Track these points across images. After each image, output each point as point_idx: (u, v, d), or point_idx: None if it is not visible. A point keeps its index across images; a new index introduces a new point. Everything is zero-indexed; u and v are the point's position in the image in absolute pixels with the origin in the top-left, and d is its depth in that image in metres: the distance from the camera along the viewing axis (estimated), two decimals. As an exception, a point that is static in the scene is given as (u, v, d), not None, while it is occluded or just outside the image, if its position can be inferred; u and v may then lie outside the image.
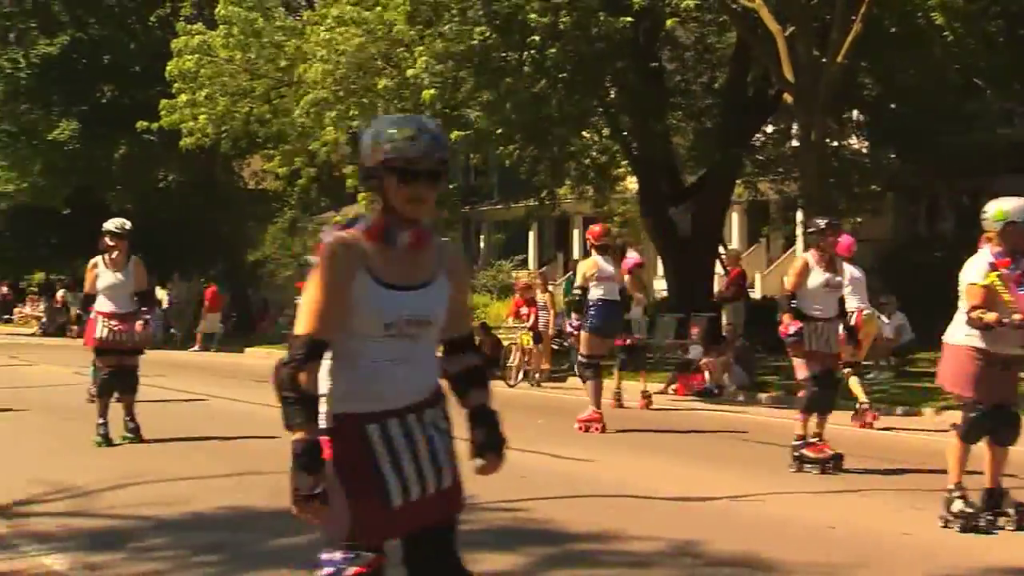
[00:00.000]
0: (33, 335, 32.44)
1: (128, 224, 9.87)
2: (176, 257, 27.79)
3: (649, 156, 18.74)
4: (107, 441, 9.45)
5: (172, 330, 27.58)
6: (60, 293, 35.07)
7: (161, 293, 30.47)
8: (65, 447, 9.59)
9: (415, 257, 3.15)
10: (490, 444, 3.27)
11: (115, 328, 9.60)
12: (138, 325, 9.63)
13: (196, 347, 24.64)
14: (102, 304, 9.63)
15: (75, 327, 10.73)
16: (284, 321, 30.60)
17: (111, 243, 9.69)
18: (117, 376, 9.68)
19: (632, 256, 13.35)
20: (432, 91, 15.81)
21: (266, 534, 6.17)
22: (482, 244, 34.74)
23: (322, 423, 3.07)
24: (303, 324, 3.06)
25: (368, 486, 3.05)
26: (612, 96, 18.21)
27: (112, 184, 28.21)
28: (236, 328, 28.25)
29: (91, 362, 10.44)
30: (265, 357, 22.67)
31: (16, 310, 39.23)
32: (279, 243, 37.85)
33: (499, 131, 16.63)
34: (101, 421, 9.51)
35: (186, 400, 13.02)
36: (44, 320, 33.73)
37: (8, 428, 10.94)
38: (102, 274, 9.67)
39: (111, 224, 9.84)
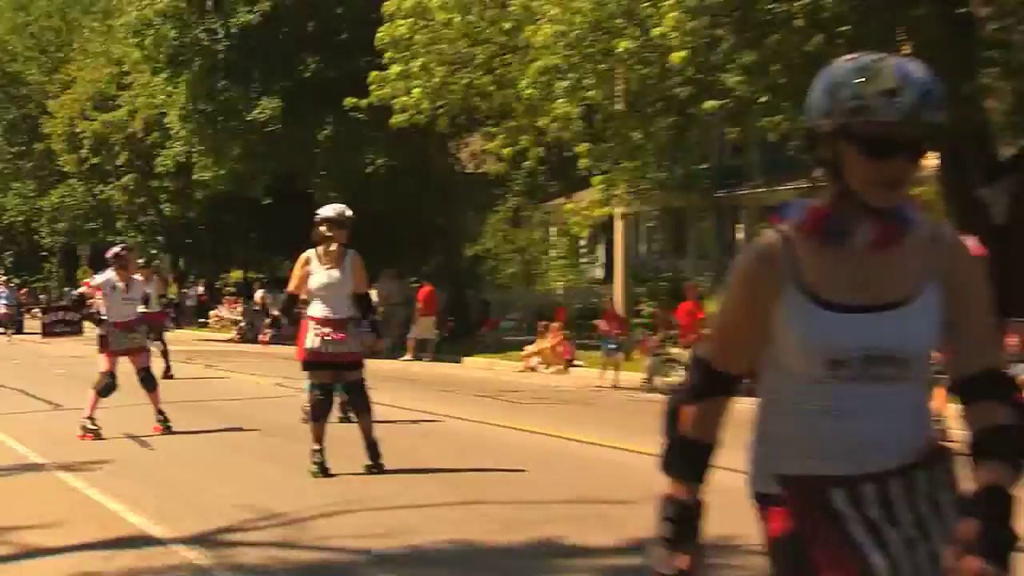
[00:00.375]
0: (231, 341, 34.34)
1: (349, 211, 9.59)
2: (385, 252, 28.67)
3: (954, 125, 17.95)
4: (324, 471, 9.36)
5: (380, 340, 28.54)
6: (259, 294, 36.83)
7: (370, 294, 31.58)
8: (273, 469, 10.10)
9: (883, 261, 2.57)
10: (982, 546, 2.37)
11: (329, 337, 9.40)
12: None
13: (408, 356, 25.39)
14: (315, 308, 9.48)
15: (269, 330, 10.93)
16: (508, 325, 31.28)
17: (328, 233, 9.45)
18: (352, 391, 9.66)
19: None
20: (683, 53, 15.70)
21: (496, 573, 6.32)
22: (740, 236, 34.22)
23: (767, 486, 2.66)
24: (705, 346, 2.74)
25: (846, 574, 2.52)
26: (907, 52, 17.57)
27: (316, 169, 29.28)
28: (453, 334, 28.95)
29: (307, 375, 10.27)
30: (486, 368, 23.19)
31: (212, 313, 41.42)
32: (501, 235, 38.69)
33: (763, 99, 16.34)
34: (316, 447, 9.40)
35: (412, 421, 13.39)
36: (242, 324, 35.56)
37: (211, 447, 11.65)
38: (316, 272, 9.46)
39: (329, 210, 9.62)
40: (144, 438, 11.87)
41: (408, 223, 30.94)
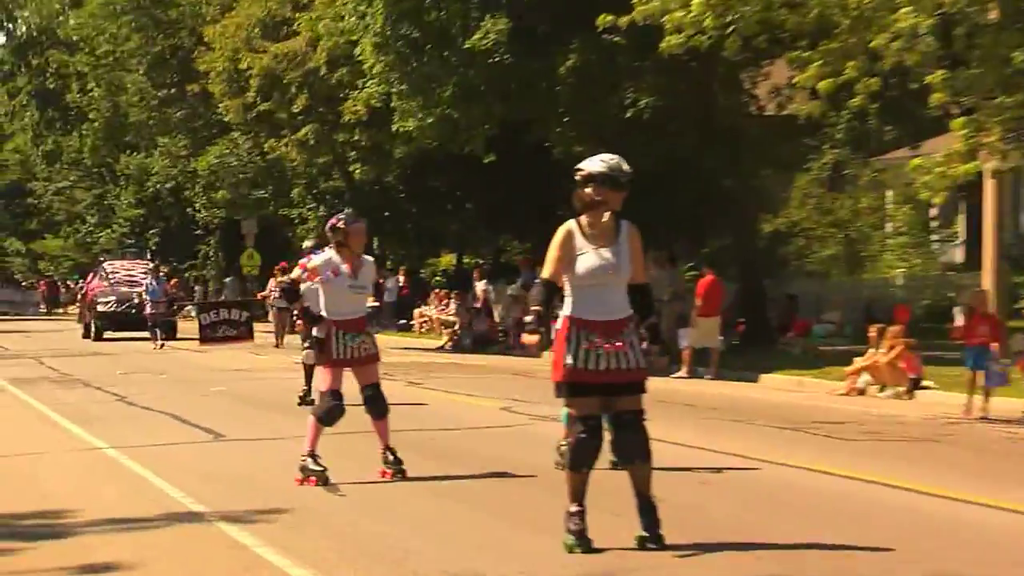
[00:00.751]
0: (440, 349, 34.95)
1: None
2: (651, 228, 28.56)
3: None
4: (585, 544, 8.87)
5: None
6: (480, 286, 37.36)
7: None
8: (503, 527, 10.23)
9: None
10: None
11: (601, 348, 9.04)
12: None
13: (682, 372, 25.30)
14: (579, 305, 9.12)
15: (539, 330, 10.37)
16: (824, 330, 30.82)
17: (597, 197, 9.13)
18: (624, 426, 9.05)
19: None
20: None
21: None
22: None
23: None
24: None
25: None
26: None
27: (556, 114, 29.41)
28: (745, 341, 28.72)
29: (563, 402, 10.04)
30: (793, 389, 22.90)
31: (417, 312, 42.18)
32: (814, 203, 38.18)
33: None
34: (575, 508, 8.99)
35: (697, 468, 13.01)
36: (456, 327, 36.15)
37: (419, 495, 11.77)
38: (583, 252, 9.10)
39: (598, 164, 9.22)
40: (336, 483, 11.92)
41: (682, 187, 30.83)
